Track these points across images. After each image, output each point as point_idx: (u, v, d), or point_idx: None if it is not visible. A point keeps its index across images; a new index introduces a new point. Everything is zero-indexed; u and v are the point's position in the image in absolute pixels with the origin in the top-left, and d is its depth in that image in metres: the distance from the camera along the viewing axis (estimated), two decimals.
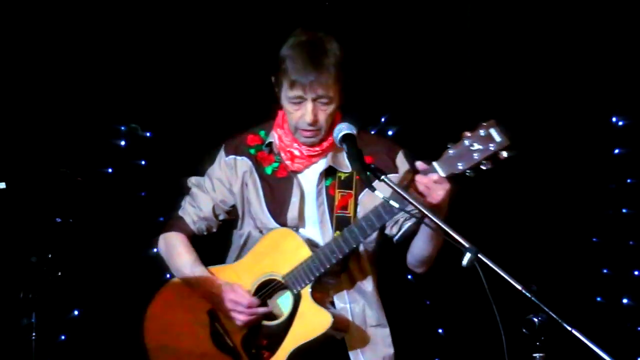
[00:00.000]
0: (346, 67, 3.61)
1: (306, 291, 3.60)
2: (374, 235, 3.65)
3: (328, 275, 3.63)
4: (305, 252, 3.60)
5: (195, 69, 5.51)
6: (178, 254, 3.81)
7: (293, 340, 3.59)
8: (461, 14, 5.62)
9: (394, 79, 5.60)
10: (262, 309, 3.63)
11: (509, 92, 5.60)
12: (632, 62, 5.49)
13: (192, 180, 3.90)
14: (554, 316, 2.93)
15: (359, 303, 3.73)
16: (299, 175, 3.74)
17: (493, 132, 3.26)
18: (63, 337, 5.38)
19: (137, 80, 5.46)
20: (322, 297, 3.64)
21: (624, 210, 5.67)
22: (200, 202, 3.82)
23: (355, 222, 3.57)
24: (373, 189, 3.45)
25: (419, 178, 3.36)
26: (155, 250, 3.97)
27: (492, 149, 3.25)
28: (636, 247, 5.66)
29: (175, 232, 3.86)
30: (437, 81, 5.62)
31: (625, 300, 5.67)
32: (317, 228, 3.71)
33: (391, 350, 3.77)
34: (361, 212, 3.67)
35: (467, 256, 3.03)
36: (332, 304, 3.69)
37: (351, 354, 3.68)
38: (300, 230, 3.70)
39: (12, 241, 5.06)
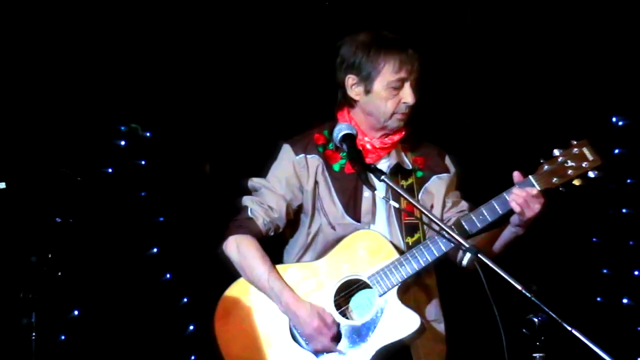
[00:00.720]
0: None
1: (393, 292, 3.61)
2: None
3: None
4: (392, 254, 3.63)
5: (195, 69, 5.52)
6: (254, 264, 3.72)
7: (378, 339, 3.59)
8: (462, 13, 5.63)
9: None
10: (340, 345, 3.61)
11: (510, 92, 5.60)
12: (632, 62, 5.49)
13: (256, 181, 3.85)
14: (554, 316, 2.93)
15: (422, 299, 3.76)
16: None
17: (586, 150, 3.54)
18: (63, 337, 5.37)
19: (137, 80, 5.46)
20: (402, 297, 3.65)
21: (624, 211, 5.67)
22: (271, 202, 3.77)
23: (441, 222, 3.59)
24: (373, 189, 3.48)
25: (517, 192, 3.50)
26: (222, 250, 3.80)
27: (585, 166, 3.52)
28: (636, 247, 5.66)
29: (246, 235, 3.77)
30: (437, 80, 5.62)
31: (625, 300, 5.68)
32: (386, 226, 3.74)
33: (444, 348, 3.80)
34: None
35: (468, 256, 3.04)
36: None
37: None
38: (372, 227, 3.72)
39: (12, 241, 5.06)
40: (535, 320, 3.20)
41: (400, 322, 3.59)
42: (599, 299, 5.69)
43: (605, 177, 5.32)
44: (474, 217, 3.58)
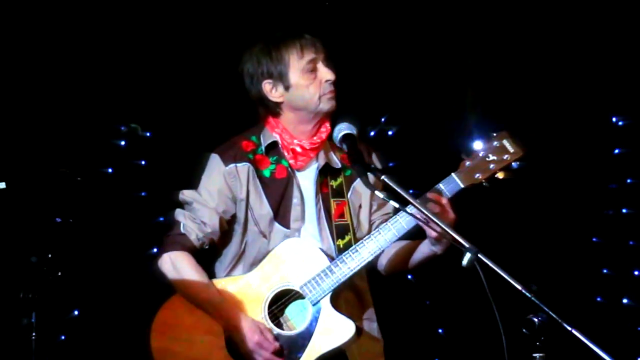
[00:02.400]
0: None
1: (326, 300, 3.60)
2: None
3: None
4: (323, 261, 3.61)
5: (195, 69, 5.51)
6: (190, 280, 3.71)
7: (315, 349, 3.58)
8: (461, 14, 5.63)
9: (391, 79, 5.61)
10: (286, 334, 3.60)
11: (509, 92, 5.60)
12: (632, 62, 5.49)
13: (187, 194, 3.83)
14: (554, 316, 2.93)
15: (352, 300, 3.74)
16: (298, 176, 3.75)
17: (506, 142, 3.48)
18: (63, 337, 5.37)
19: (137, 80, 5.46)
20: (336, 303, 3.64)
21: (624, 210, 5.67)
22: (204, 217, 3.75)
23: (373, 233, 3.61)
24: (373, 189, 3.47)
25: (430, 206, 3.45)
26: (155, 267, 3.82)
27: (506, 159, 3.46)
28: (636, 247, 5.66)
29: (180, 251, 3.77)
30: (436, 81, 5.62)
31: (625, 300, 5.68)
32: (317, 230, 3.73)
33: (380, 344, 3.79)
34: (353, 215, 3.73)
35: (467, 256, 3.04)
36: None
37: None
38: (302, 230, 3.71)
39: (12, 241, 5.06)
40: (535, 320, 3.20)
41: (335, 330, 3.58)
42: (599, 299, 5.69)
43: (604, 177, 5.35)
44: (382, 234, 3.57)
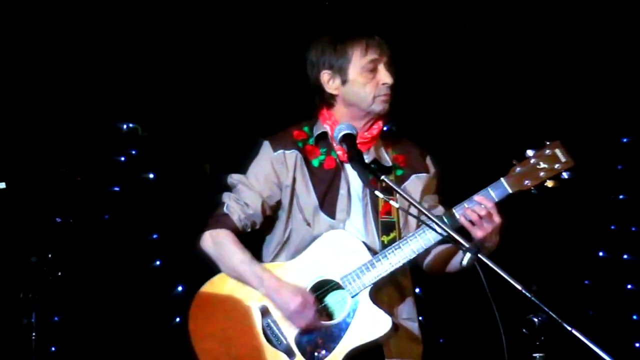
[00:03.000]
0: None
1: (365, 293, 3.60)
2: None
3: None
4: (365, 255, 3.61)
5: (194, 69, 5.52)
6: (232, 252, 3.73)
7: (351, 340, 3.58)
8: (464, 30, 5.65)
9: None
10: (323, 323, 3.61)
11: (510, 93, 5.61)
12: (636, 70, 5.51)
13: (235, 177, 3.85)
14: (554, 316, 2.93)
15: (395, 298, 3.74)
16: (347, 168, 3.76)
17: (558, 152, 3.48)
18: (63, 337, 5.38)
19: (137, 80, 5.46)
20: (376, 298, 3.64)
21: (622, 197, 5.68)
22: (247, 199, 3.77)
23: (417, 231, 3.60)
24: (374, 190, 3.47)
25: (474, 207, 3.46)
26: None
27: (557, 168, 3.47)
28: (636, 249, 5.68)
29: (222, 229, 3.79)
30: (441, 91, 5.64)
31: (625, 298, 5.69)
32: (362, 224, 3.74)
33: (419, 346, 3.78)
34: (401, 213, 3.73)
35: (467, 256, 3.04)
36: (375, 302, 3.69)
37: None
38: (347, 222, 3.72)
39: (12, 241, 5.07)
40: (535, 320, 3.20)
41: (372, 323, 3.58)
42: (598, 298, 5.70)
43: (606, 186, 5.37)
44: (427, 232, 3.56)
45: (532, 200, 5.53)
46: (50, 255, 4.70)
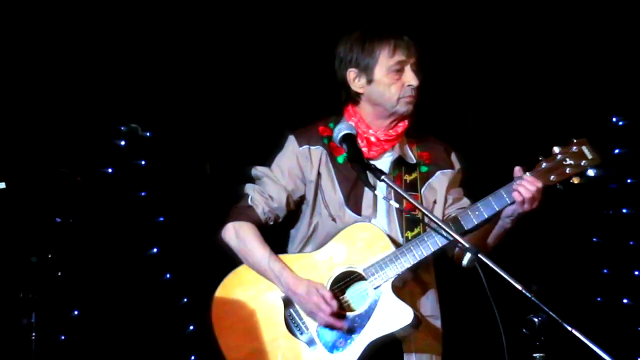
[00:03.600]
0: None
1: (387, 286, 3.62)
2: None
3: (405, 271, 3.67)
4: (388, 248, 3.64)
5: (194, 69, 5.52)
6: (253, 246, 3.76)
7: (372, 331, 3.60)
8: (463, 13, 5.64)
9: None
10: (339, 323, 3.62)
11: (510, 92, 5.61)
12: (632, 61, 5.49)
13: (260, 169, 3.86)
14: (554, 316, 2.93)
15: (418, 294, 3.76)
16: (373, 164, 3.76)
17: (585, 149, 3.53)
18: (63, 337, 5.38)
19: (137, 80, 5.46)
20: (399, 291, 3.66)
21: (624, 210, 5.68)
22: (272, 192, 3.80)
23: (445, 224, 3.58)
24: (373, 189, 3.48)
25: (527, 183, 3.51)
26: (222, 238, 3.82)
27: (583, 164, 3.51)
28: (636, 247, 5.66)
29: (245, 221, 3.80)
30: (436, 78, 5.63)
31: (625, 300, 5.68)
32: (386, 221, 3.75)
33: (439, 345, 3.80)
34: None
35: (467, 256, 3.04)
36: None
37: (405, 356, 3.71)
38: (373, 220, 3.73)
39: (12, 241, 5.06)
40: (535, 320, 3.20)
41: (393, 315, 3.59)
42: (599, 299, 5.69)
43: (605, 177, 5.37)
44: (470, 213, 3.59)
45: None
46: (50, 255, 4.70)
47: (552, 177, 3.52)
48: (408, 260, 3.61)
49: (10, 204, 4.81)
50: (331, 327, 3.63)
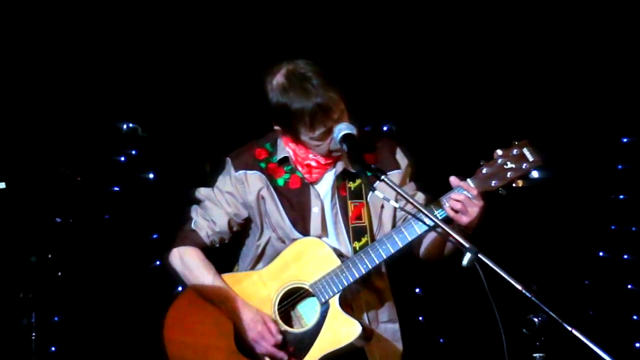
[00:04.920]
0: (331, 77, 3.62)
1: (334, 300, 3.62)
2: None
3: (351, 284, 3.65)
4: (334, 262, 3.62)
5: (194, 69, 5.52)
6: (198, 273, 3.77)
7: (321, 348, 3.61)
8: (473, 25, 5.64)
9: (393, 81, 5.63)
10: (281, 354, 3.62)
11: (524, 109, 5.61)
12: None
13: (202, 192, 3.85)
14: (554, 316, 2.93)
15: (373, 302, 3.76)
16: (316, 186, 3.74)
17: (526, 151, 3.42)
18: (63, 337, 5.37)
19: (137, 80, 5.46)
20: (346, 304, 3.66)
21: (621, 197, 5.68)
22: (214, 216, 3.79)
23: (387, 235, 3.60)
24: (373, 189, 3.47)
25: (454, 195, 3.44)
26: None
27: (525, 167, 3.41)
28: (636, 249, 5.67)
29: (189, 246, 3.81)
30: (441, 89, 5.63)
31: (625, 299, 5.69)
32: (334, 237, 3.73)
33: (400, 346, 3.79)
34: (373, 216, 3.71)
35: (468, 256, 3.04)
36: (351, 307, 3.70)
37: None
38: (323, 239, 3.71)
39: (12, 241, 5.06)
40: (535, 320, 3.20)
41: (341, 330, 3.59)
42: (598, 298, 5.70)
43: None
44: (395, 237, 3.55)
45: (532, 200, 5.56)
46: (50, 255, 4.70)
47: (494, 182, 3.43)
48: (353, 274, 3.59)
49: (10, 204, 4.81)
50: (272, 357, 3.63)
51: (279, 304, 3.68)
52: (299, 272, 3.66)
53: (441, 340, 5.71)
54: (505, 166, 3.42)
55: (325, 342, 3.60)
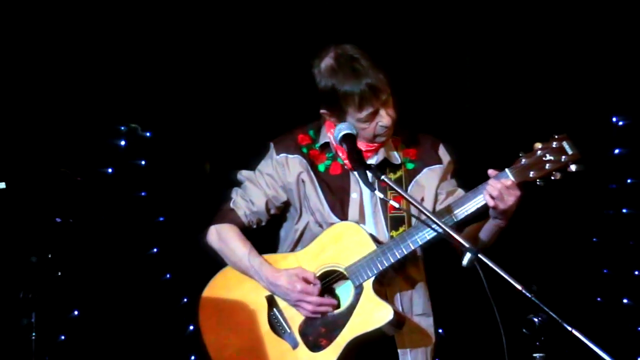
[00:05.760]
0: (377, 62, 3.69)
1: (368, 284, 3.64)
2: None
3: (387, 273, 3.69)
4: (370, 246, 3.65)
5: (194, 69, 5.52)
6: (234, 246, 3.82)
7: (352, 329, 3.64)
8: (460, 9, 5.64)
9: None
10: (328, 300, 3.67)
11: (510, 92, 5.61)
12: (632, 61, 5.49)
13: (244, 174, 3.91)
14: (554, 316, 2.93)
15: (407, 292, 3.78)
16: (356, 172, 3.74)
17: (565, 145, 3.47)
18: (63, 337, 5.38)
19: (137, 80, 5.46)
20: (380, 289, 3.69)
21: (624, 210, 5.68)
22: (253, 196, 3.84)
23: (420, 221, 3.61)
24: (373, 189, 3.49)
25: (492, 182, 3.48)
26: (206, 241, 3.88)
27: (563, 160, 3.46)
28: (636, 247, 5.66)
29: (227, 223, 3.86)
30: (434, 76, 5.64)
31: (625, 300, 5.68)
32: (372, 225, 3.76)
33: (432, 339, 3.82)
34: (412, 207, 3.66)
35: (468, 256, 3.04)
36: (385, 294, 3.71)
37: (400, 351, 3.73)
38: (361, 225, 3.74)
39: (12, 241, 5.07)
40: (535, 320, 3.20)
41: (373, 314, 3.62)
42: (599, 299, 5.69)
43: (603, 176, 5.37)
44: (454, 210, 3.59)
45: (532, 200, 5.55)
46: (50, 255, 4.70)
47: (532, 173, 3.49)
48: (388, 259, 3.62)
49: (10, 204, 4.81)
50: (313, 322, 3.67)
51: None
52: (335, 255, 3.70)
53: (440, 330, 5.71)
54: (544, 158, 3.47)
55: (357, 325, 3.63)
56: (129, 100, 5.48)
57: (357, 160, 3.47)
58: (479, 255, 3.05)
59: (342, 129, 3.54)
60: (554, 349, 3.25)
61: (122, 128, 5.54)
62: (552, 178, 3.48)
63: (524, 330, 3.24)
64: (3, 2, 5.23)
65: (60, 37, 5.33)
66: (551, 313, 2.94)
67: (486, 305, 3.06)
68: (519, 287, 2.97)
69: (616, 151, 5.62)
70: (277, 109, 5.45)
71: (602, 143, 5.62)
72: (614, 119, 5.61)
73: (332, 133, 3.75)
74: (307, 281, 3.67)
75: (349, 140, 3.52)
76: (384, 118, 3.64)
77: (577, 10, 5.52)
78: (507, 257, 3.34)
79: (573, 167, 3.46)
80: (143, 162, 5.60)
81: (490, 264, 3.04)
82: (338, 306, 3.70)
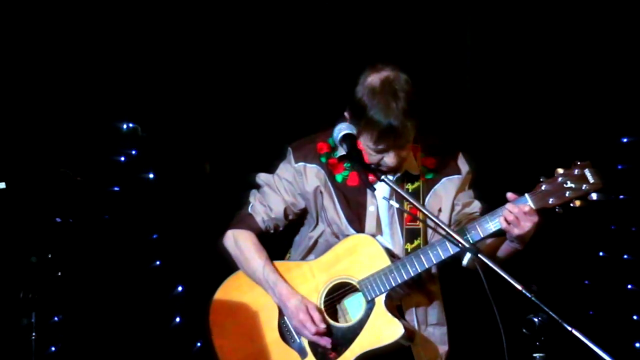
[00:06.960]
0: (418, 106, 3.60)
1: (380, 299, 3.63)
2: None
3: (402, 285, 3.67)
4: (385, 261, 3.64)
5: (195, 69, 5.52)
6: (250, 256, 3.81)
7: (361, 345, 3.63)
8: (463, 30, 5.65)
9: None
10: (324, 341, 3.65)
11: (521, 104, 5.61)
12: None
13: (262, 177, 3.88)
14: (554, 316, 2.93)
15: (423, 304, 3.77)
16: (374, 184, 3.69)
17: (587, 173, 3.42)
18: (63, 337, 5.37)
19: (137, 80, 5.46)
20: (392, 304, 3.68)
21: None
22: (271, 202, 3.82)
23: (439, 240, 3.58)
24: (373, 189, 3.48)
25: (510, 207, 3.45)
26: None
27: (585, 189, 3.39)
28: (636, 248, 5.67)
29: (244, 229, 3.85)
30: (440, 88, 5.64)
31: (625, 299, 5.69)
32: (389, 236, 3.75)
33: (446, 347, 3.81)
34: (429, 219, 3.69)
35: (468, 256, 3.05)
36: (400, 307, 3.72)
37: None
38: (377, 237, 3.72)
39: (12, 241, 5.06)
40: (535, 320, 3.21)
41: (383, 329, 3.61)
42: (598, 298, 5.70)
43: (608, 198, 5.37)
44: (447, 243, 3.54)
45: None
46: (50, 255, 4.70)
47: (551, 200, 3.42)
48: (402, 276, 3.61)
49: (10, 204, 4.80)
50: (316, 344, 3.67)
51: (326, 296, 3.70)
52: (348, 267, 3.69)
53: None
54: (565, 185, 3.41)
55: (367, 340, 3.62)
56: (129, 100, 5.48)
57: (357, 161, 3.46)
58: (479, 255, 3.05)
59: (343, 128, 3.52)
60: (554, 349, 3.25)
61: (122, 128, 5.53)
62: (572, 205, 3.42)
63: (524, 330, 3.24)
64: (3, 2, 5.22)
65: (60, 37, 5.33)
66: (551, 313, 2.94)
67: (486, 305, 3.06)
68: (519, 287, 2.97)
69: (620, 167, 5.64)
70: (277, 109, 5.45)
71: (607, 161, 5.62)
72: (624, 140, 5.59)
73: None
74: (311, 316, 3.64)
75: (349, 140, 3.51)
76: (391, 159, 3.60)
77: (591, 28, 5.51)
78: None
79: (594, 196, 3.40)
80: (143, 162, 5.59)
81: (491, 264, 3.04)
82: (348, 320, 3.69)
